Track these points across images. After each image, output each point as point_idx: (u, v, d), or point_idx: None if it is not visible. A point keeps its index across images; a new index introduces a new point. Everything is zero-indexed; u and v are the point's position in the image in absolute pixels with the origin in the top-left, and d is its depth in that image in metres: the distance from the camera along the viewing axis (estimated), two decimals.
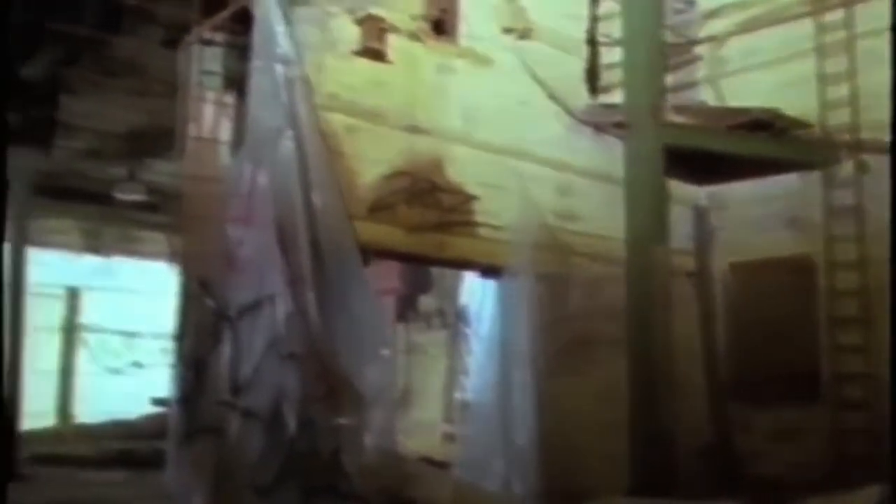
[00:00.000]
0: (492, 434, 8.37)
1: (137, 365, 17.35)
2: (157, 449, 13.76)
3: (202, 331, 6.91)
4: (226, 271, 6.86)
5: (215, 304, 6.85)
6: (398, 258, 8.59)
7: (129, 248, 16.94)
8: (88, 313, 17.25)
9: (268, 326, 6.76)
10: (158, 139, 12.45)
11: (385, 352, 7.22)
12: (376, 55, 7.56)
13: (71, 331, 17.08)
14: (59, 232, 15.83)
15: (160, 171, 13.77)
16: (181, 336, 7.35)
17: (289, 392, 6.70)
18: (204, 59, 7.70)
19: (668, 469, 6.74)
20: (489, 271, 8.43)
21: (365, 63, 7.55)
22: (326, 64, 7.32)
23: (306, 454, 6.73)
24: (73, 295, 17.03)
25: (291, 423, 6.67)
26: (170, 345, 16.57)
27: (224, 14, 7.61)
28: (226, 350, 6.82)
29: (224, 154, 7.22)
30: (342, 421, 6.90)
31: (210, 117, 7.26)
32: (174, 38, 9.10)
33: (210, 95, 7.27)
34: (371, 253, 7.31)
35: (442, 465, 9.15)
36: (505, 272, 8.33)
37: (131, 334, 17.35)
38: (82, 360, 17.19)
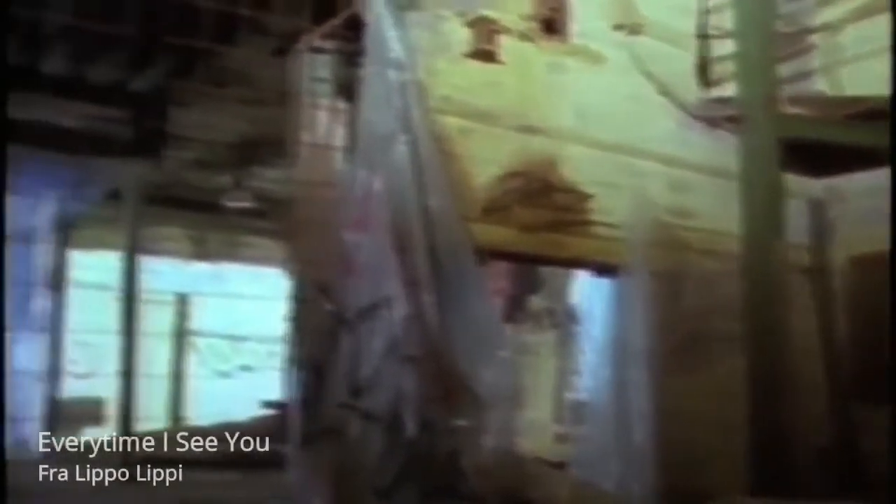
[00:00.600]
0: (607, 433, 8.31)
1: (246, 368, 17.67)
2: (268, 450, 14.00)
3: (320, 334, 6.97)
4: (342, 275, 6.91)
5: (333, 308, 6.90)
6: (513, 259, 8.59)
7: (237, 254, 17.25)
8: (198, 318, 17.62)
9: (386, 329, 6.80)
10: (266, 147, 12.66)
11: (503, 353, 7.21)
12: (488, 56, 7.57)
13: (181, 336, 17.46)
14: (169, 240, 16.19)
15: (267, 178, 14.01)
16: (297, 339, 7.42)
17: (407, 394, 6.74)
18: (314, 67, 7.76)
19: (789, 469, 6.61)
20: (604, 270, 8.36)
21: (477, 65, 7.56)
22: (438, 67, 7.34)
23: (425, 456, 6.75)
24: (182, 301, 17.40)
25: (410, 424, 6.70)
26: (278, 348, 16.92)
27: (334, 21, 7.67)
28: (344, 353, 6.87)
29: (338, 160, 7.27)
30: (460, 422, 6.92)
31: (323, 124, 7.32)
32: (283, 47, 9.23)
33: (323, 102, 7.32)
34: (486, 254, 7.32)
35: (555, 466, 9.11)
36: (620, 270, 8.26)
37: (239, 338, 17.66)
38: (192, 364, 17.58)
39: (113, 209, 13.96)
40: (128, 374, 12.22)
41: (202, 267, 17.09)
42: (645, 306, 8.17)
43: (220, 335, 17.67)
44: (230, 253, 17.20)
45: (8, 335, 16.11)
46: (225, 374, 17.60)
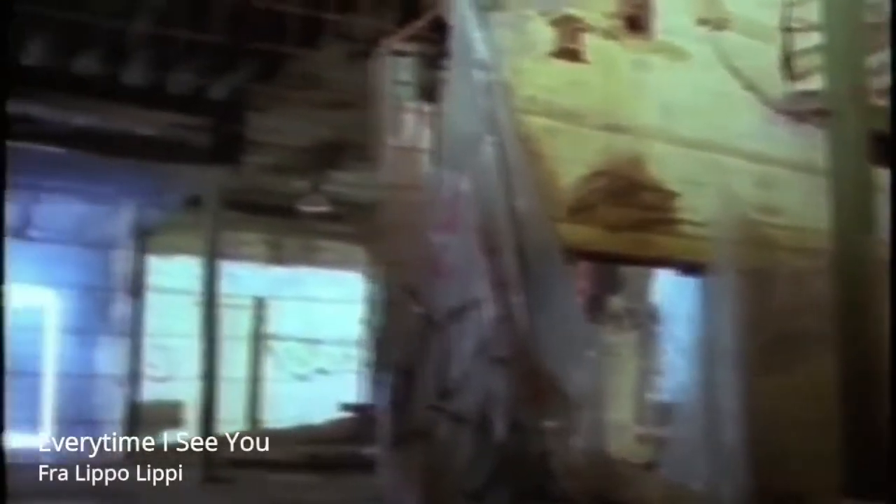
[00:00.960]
0: (696, 434, 8.22)
1: (322, 371, 17.78)
2: (345, 453, 14.09)
3: (409, 336, 6.99)
4: (431, 277, 6.92)
5: (422, 310, 6.91)
6: (599, 258, 8.55)
7: (313, 258, 17.37)
8: (275, 322, 17.77)
9: (475, 330, 6.79)
10: (344, 151, 12.72)
11: (591, 353, 7.18)
12: (572, 55, 7.54)
13: (258, 339, 17.62)
14: (246, 244, 16.35)
15: (344, 182, 14.09)
16: (385, 342, 7.44)
17: (497, 396, 6.72)
18: (397, 70, 7.78)
19: (882, 469, 6.47)
20: (691, 269, 8.28)
21: (561, 64, 7.54)
22: (523, 67, 7.33)
23: (515, 457, 6.73)
24: (259, 305, 17.56)
25: (500, 426, 6.69)
26: (354, 351, 17.03)
27: (417, 24, 7.68)
28: (433, 355, 6.87)
29: (425, 162, 7.27)
30: (550, 423, 6.89)
31: (409, 126, 7.32)
32: (365, 50, 9.27)
33: (408, 105, 7.34)
34: (573, 254, 7.28)
35: (639, 467, 9.06)
36: (707, 269, 8.17)
37: (316, 342, 17.76)
38: (269, 367, 17.74)
39: (190, 215, 14.16)
40: (209, 377, 12.34)
41: (279, 271, 17.25)
42: (733, 305, 8.07)
43: (297, 339, 17.79)
44: (306, 257, 17.34)
45: (88, 339, 16.52)
46: (302, 378, 17.71)
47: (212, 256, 12.42)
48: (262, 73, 10.86)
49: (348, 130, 12.03)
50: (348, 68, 10.30)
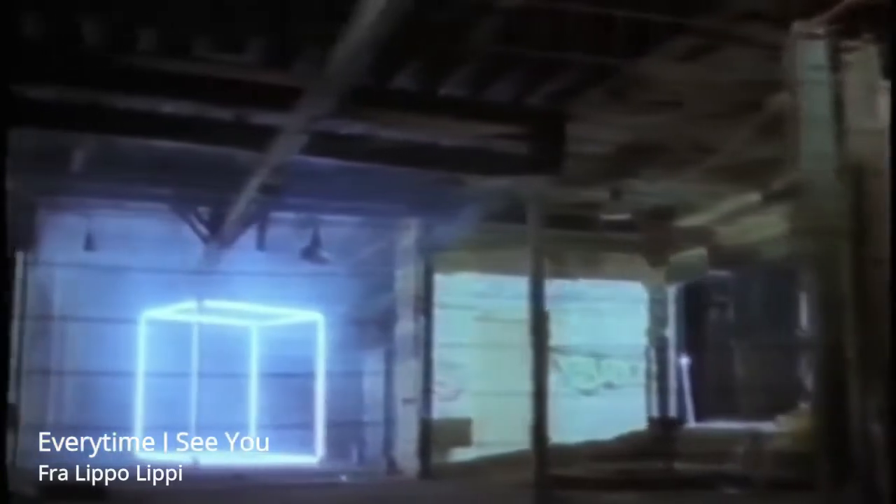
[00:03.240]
0: None
1: (609, 386, 17.37)
2: (658, 469, 13.62)
3: None
4: None
5: None
6: None
7: (596, 269, 17.02)
8: (559, 336, 17.46)
9: None
10: (655, 156, 12.35)
11: None
12: None
13: (542, 354, 17.31)
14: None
15: (642, 190, 13.73)
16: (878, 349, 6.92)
17: None
18: (811, 54, 7.42)
19: None
20: None
21: None
22: None
23: None
24: (544, 319, 17.27)
25: None
26: (641, 364, 16.57)
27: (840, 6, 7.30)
28: None
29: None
30: None
31: (881, 108, 6.90)
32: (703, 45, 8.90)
33: (880, 85, 6.93)
34: None
35: None
36: None
37: (601, 356, 17.32)
38: (555, 382, 17.42)
39: (473, 231, 14.07)
40: (540, 395, 12.13)
41: (563, 283, 16.93)
42: None
43: (582, 352, 17.41)
44: (591, 268, 16.97)
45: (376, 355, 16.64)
46: (588, 393, 17.33)
47: (537, 270, 12.06)
48: (587, 78, 10.55)
49: (653, 134, 11.67)
50: (675, 69, 9.94)
